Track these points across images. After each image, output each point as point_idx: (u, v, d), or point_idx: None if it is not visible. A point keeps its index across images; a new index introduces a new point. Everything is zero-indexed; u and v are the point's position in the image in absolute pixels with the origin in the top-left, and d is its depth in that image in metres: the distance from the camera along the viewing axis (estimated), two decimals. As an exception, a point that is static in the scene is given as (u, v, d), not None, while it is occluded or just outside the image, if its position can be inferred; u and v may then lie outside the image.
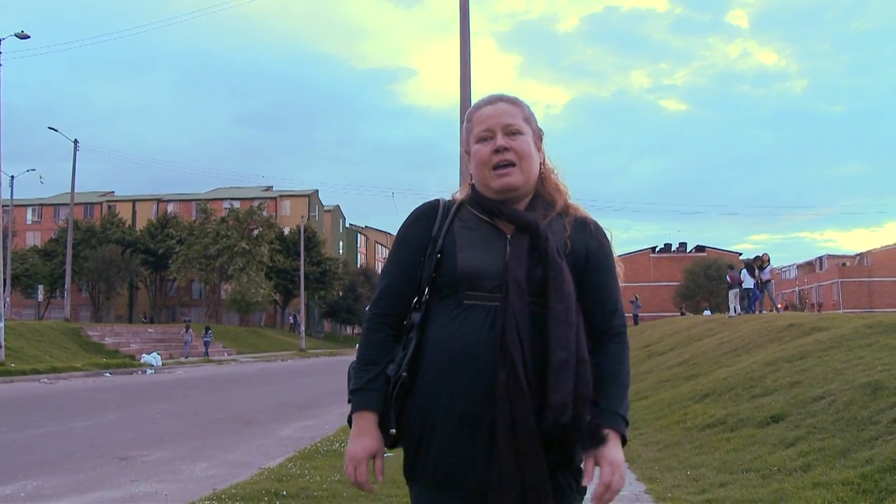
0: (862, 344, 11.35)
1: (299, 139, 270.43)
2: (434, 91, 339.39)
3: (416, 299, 2.54)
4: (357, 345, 2.64)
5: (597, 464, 2.39)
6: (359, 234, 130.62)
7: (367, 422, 2.44)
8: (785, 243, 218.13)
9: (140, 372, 35.74)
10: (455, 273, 2.45)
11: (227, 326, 74.42)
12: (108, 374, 32.86)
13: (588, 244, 2.55)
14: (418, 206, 2.67)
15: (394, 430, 2.44)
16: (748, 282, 29.94)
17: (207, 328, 54.20)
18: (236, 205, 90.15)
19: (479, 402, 2.33)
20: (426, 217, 2.60)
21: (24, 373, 29.54)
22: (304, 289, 75.22)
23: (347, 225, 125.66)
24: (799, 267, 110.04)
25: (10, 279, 32.17)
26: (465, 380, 2.35)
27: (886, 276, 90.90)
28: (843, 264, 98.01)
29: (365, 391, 2.45)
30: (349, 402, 2.49)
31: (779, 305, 29.89)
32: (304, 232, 76.98)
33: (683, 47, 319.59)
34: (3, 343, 30.73)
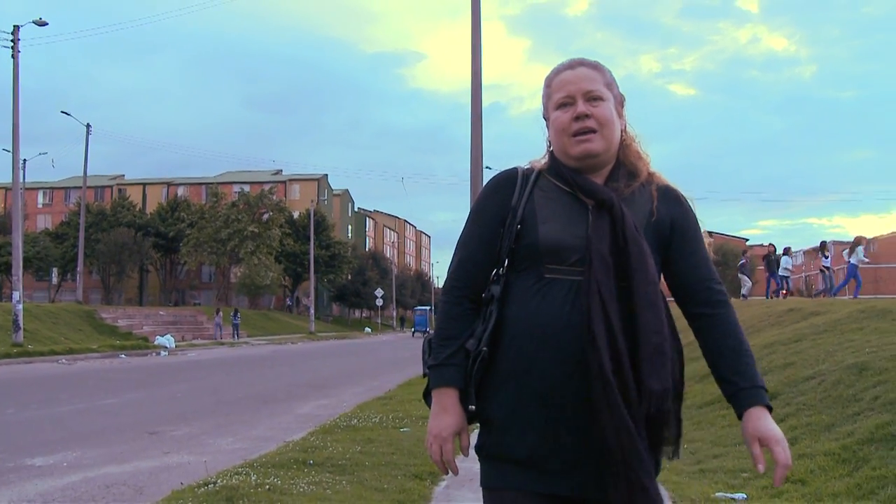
0: (854, 328, 11.90)
1: (308, 123, 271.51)
2: (443, 75, 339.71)
3: (494, 272, 2.46)
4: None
5: (763, 445, 2.32)
6: (367, 218, 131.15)
7: (449, 398, 2.37)
8: (793, 229, 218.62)
9: (154, 353, 36.46)
10: (536, 245, 2.36)
11: (239, 309, 75.22)
12: (123, 356, 33.54)
13: (673, 213, 2.47)
14: (496, 174, 2.59)
15: (473, 407, 2.37)
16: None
17: (236, 311, 57.28)
18: (246, 188, 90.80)
19: (561, 380, 2.26)
20: (505, 186, 2.51)
21: (42, 354, 30.27)
22: (314, 272, 75.81)
23: (356, 209, 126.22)
24: (805, 253, 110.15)
25: (21, 260, 32.68)
26: (547, 357, 2.27)
27: (893, 262, 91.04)
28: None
29: (445, 366, 2.39)
30: (424, 376, 2.47)
31: (783, 292, 30.36)
32: (314, 216, 77.49)
33: (693, 32, 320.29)
34: (21, 325, 31.41)
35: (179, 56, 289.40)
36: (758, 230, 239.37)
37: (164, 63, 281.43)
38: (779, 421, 8.20)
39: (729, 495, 6.43)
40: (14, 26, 32.99)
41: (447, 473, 2.45)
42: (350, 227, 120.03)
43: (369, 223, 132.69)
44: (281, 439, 10.10)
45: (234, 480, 6.71)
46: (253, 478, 6.82)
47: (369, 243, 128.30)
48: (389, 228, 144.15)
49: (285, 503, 6.03)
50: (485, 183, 2.60)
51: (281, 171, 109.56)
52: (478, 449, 2.40)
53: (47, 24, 33.68)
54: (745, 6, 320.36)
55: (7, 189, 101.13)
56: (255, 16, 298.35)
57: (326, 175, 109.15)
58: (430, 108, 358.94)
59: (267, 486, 6.52)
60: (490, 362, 2.34)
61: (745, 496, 6.40)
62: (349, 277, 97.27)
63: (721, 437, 8.73)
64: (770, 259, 30.93)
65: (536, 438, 2.27)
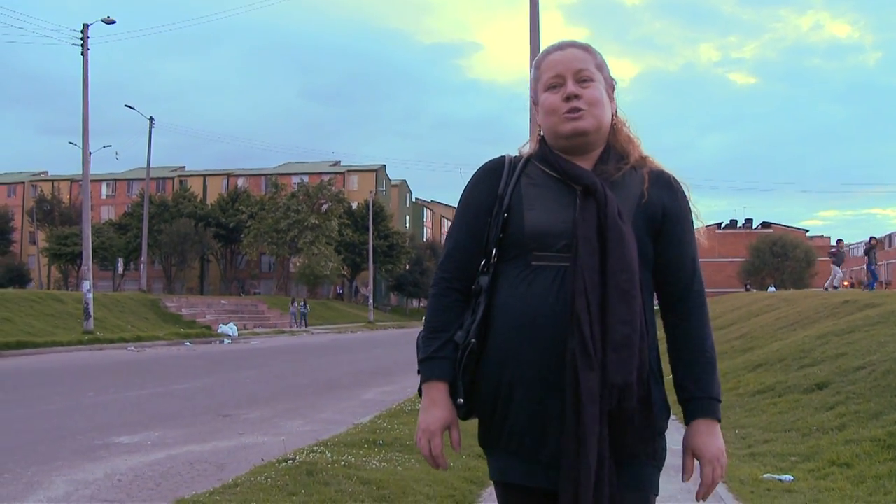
0: (907, 319, 12.14)
1: (366, 113, 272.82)
2: (499, 65, 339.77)
3: (483, 262, 2.41)
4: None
5: (696, 458, 2.33)
6: (425, 209, 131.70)
7: (439, 392, 2.33)
8: (856, 220, 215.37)
9: (218, 342, 37.40)
10: (522, 232, 2.31)
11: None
12: (188, 344, 34.54)
13: (665, 198, 2.39)
14: (483, 163, 2.53)
15: (461, 400, 2.32)
16: None
17: (305, 301, 61.37)
18: (305, 179, 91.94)
19: (551, 368, 2.20)
20: (491, 175, 2.46)
21: (112, 341, 31.26)
22: (373, 262, 76.63)
23: (414, 199, 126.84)
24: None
25: (90, 251, 33.64)
26: (536, 345, 2.23)
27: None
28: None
29: (434, 360, 2.35)
30: (418, 372, 2.39)
31: (845, 283, 30.29)
32: (372, 206, 78.24)
33: (753, 20, 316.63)
34: (91, 313, 32.39)
35: (238, 48, 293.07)
36: (818, 221, 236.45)
37: (223, 55, 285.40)
38: (828, 409, 8.62)
39: (776, 477, 6.80)
40: (84, 25, 33.74)
41: (437, 468, 2.42)
42: (408, 217, 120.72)
43: (427, 213, 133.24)
44: (349, 422, 10.59)
45: (310, 457, 7.21)
46: (328, 455, 7.33)
47: (427, 233, 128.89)
48: (447, 219, 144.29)
49: (361, 478, 6.50)
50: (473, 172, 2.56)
51: (339, 161, 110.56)
52: (480, 442, 2.40)
53: (115, 22, 34.39)
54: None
55: (73, 181, 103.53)
56: (312, 7, 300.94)
57: (384, 166, 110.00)
58: (486, 99, 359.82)
59: (342, 463, 7.02)
60: (479, 354, 2.32)
61: (792, 478, 6.76)
62: (407, 267, 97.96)
63: (771, 424, 9.07)
64: (873, 251, 30.71)
65: (528, 427, 2.25)
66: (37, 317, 33.29)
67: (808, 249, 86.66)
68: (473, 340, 2.30)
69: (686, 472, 2.33)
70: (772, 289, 56.42)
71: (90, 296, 32.33)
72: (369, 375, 19.17)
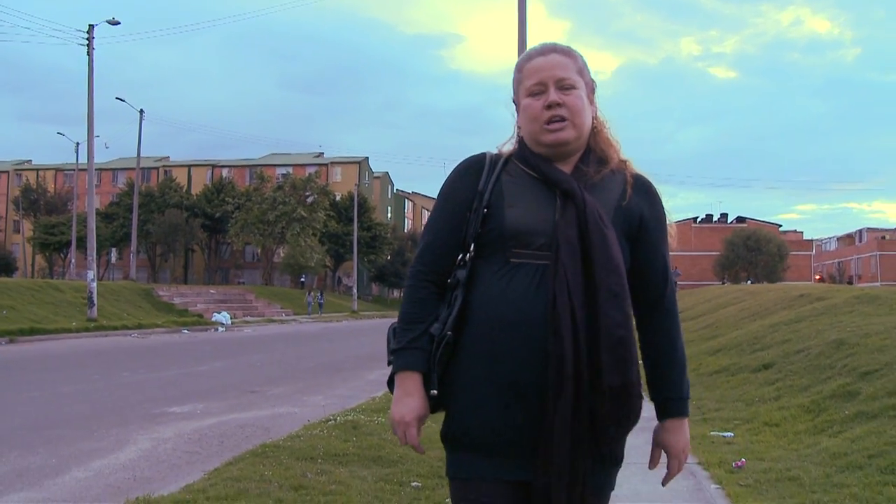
0: (846, 311, 14.02)
1: (347, 104, 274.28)
2: (481, 57, 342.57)
3: (460, 256, 2.42)
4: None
5: (664, 451, 2.45)
6: (406, 200, 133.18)
7: (413, 382, 2.34)
8: (832, 213, 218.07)
9: (213, 329, 39.09)
10: (502, 229, 2.32)
11: (282, 288, 77.94)
12: (185, 331, 36.07)
13: (643, 205, 2.43)
14: (464, 159, 2.53)
15: (434, 392, 2.33)
16: None
17: (321, 292, 67.64)
18: (290, 171, 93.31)
19: (527, 368, 2.23)
20: (472, 171, 2.46)
21: (115, 328, 32.91)
22: (356, 253, 78.19)
23: (395, 191, 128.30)
24: (839, 239, 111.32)
25: (95, 242, 34.93)
26: (513, 344, 2.25)
27: None
28: (883, 237, 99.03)
29: (409, 350, 2.35)
30: (389, 363, 2.42)
31: (816, 277, 31.99)
32: (357, 198, 79.68)
33: (734, 14, 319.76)
34: (95, 302, 33.93)
35: (218, 35, 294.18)
36: (795, 215, 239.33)
37: (204, 43, 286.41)
38: (769, 384, 10.59)
39: (720, 433, 8.57)
40: (89, 25, 35.29)
41: (420, 453, 2.50)
42: (389, 208, 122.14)
43: (408, 205, 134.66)
44: (364, 397, 12.24)
45: (348, 418, 8.94)
46: (363, 417, 9.05)
47: (408, 224, 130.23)
48: (428, 210, 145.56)
49: (394, 431, 8.24)
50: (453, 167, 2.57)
51: (322, 153, 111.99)
52: (443, 436, 2.38)
53: (119, 23, 35.95)
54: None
55: (58, 170, 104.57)
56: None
57: (367, 158, 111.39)
58: (468, 90, 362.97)
59: (376, 422, 8.75)
60: (454, 347, 2.33)
61: (732, 434, 8.55)
62: (389, 258, 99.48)
63: (723, 396, 10.89)
64: None
65: (499, 424, 2.26)
66: (38, 305, 34.55)
67: (780, 244, 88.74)
68: (450, 333, 2.31)
69: (653, 462, 2.48)
70: (749, 282, 58.61)
71: (94, 285, 33.83)
72: (367, 360, 20.64)
